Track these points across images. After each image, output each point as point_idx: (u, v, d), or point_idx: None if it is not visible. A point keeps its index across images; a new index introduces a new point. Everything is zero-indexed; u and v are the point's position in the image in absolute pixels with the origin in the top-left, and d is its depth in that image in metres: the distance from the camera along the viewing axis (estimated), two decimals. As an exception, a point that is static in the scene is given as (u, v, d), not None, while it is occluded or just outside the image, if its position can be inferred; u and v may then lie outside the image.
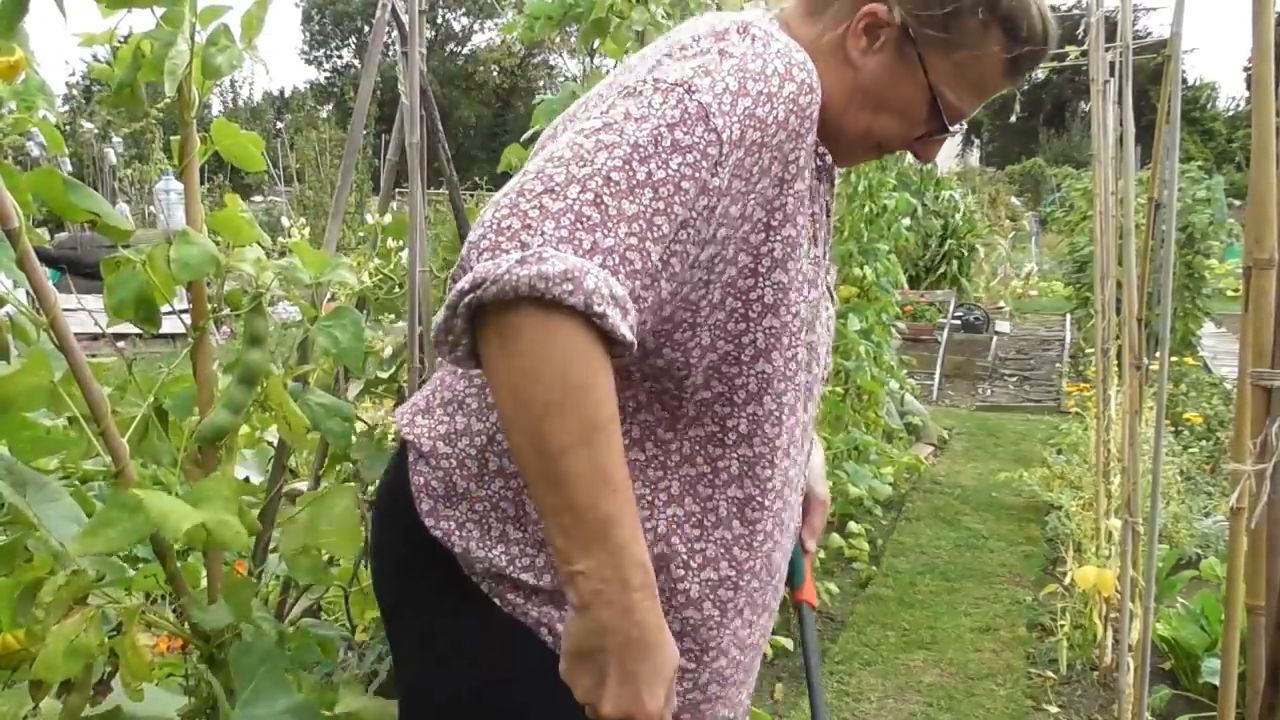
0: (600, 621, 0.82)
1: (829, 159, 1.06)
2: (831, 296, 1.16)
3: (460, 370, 1.05)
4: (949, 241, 10.42)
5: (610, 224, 0.81)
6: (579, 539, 0.80)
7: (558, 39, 2.49)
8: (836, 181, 1.17)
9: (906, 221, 4.63)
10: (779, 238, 0.96)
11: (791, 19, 1.06)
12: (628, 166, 0.82)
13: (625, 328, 0.79)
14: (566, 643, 0.86)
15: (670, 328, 0.96)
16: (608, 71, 2.71)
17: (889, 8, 1.01)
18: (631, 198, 0.82)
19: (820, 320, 1.08)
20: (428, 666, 1.06)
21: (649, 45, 1.06)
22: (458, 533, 1.00)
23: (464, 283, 0.78)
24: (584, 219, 0.80)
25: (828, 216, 1.10)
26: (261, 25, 1.20)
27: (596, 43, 2.43)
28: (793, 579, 1.28)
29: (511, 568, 0.99)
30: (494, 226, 0.79)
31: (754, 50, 0.92)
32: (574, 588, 0.82)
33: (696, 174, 0.85)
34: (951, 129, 1.08)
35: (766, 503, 1.05)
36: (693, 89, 0.87)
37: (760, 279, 0.97)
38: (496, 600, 1.00)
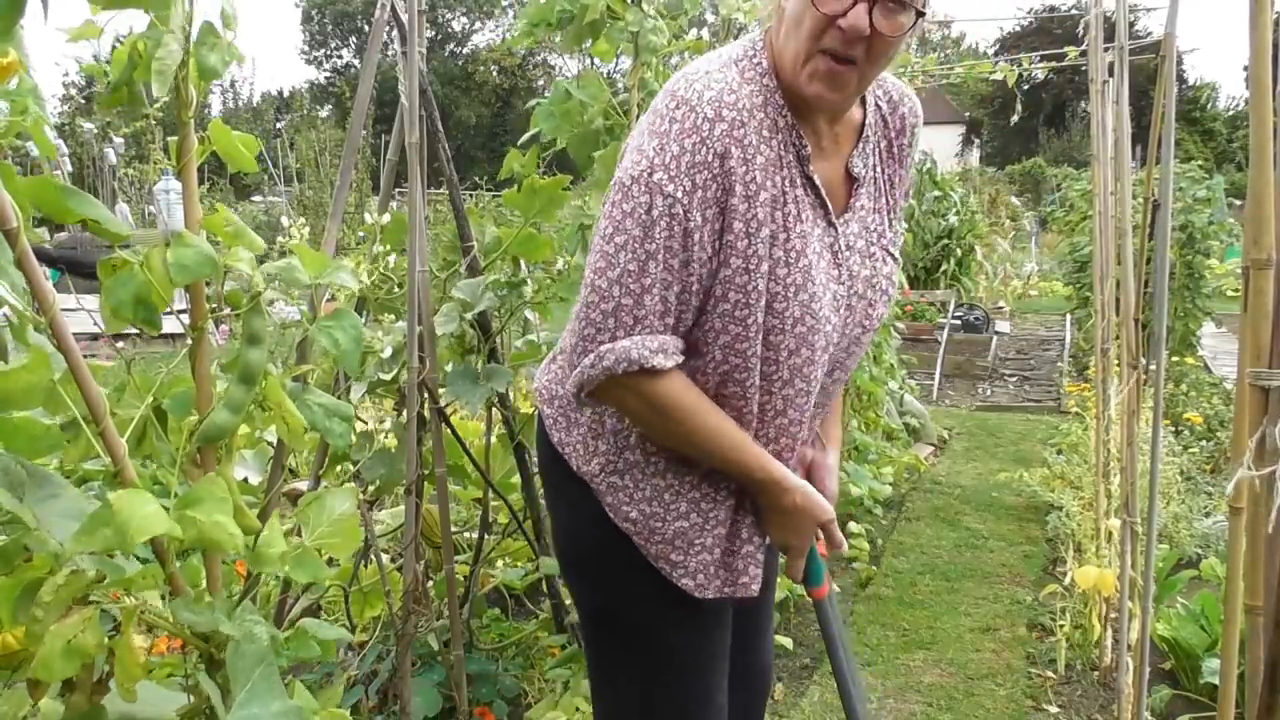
0: (775, 506, 1.38)
1: (808, 149, 1.31)
2: (892, 255, 1.45)
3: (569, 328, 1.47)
4: (950, 241, 10.42)
5: (638, 300, 1.24)
6: (737, 475, 1.37)
7: (558, 39, 2.50)
8: (864, 162, 1.41)
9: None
10: (746, 234, 1.26)
11: (770, 29, 1.33)
12: (635, 257, 1.24)
13: (669, 361, 1.27)
14: (765, 516, 1.41)
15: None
16: (607, 74, 2.72)
17: None
18: (645, 274, 1.24)
19: (842, 280, 1.36)
20: (560, 523, 1.56)
21: (647, 112, 1.33)
22: (568, 450, 1.47)
23: (571, 385, 1.32)
24: (623, 307, 1.25)
25: (861, 189, 1.39)
26: (235, 20, 1.20)
27: (588, 43, 2.44)
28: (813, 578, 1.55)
29: (598, 466, 1.43)
30: (581, 335, 1.28)
31: (689, 107, 1.24)
32: (755, 491, 1.38)
33: (673, 230, 1.23)
34: (822, 9, 1.24)
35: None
36: (651, 170, 1.23)
37: (752, 270, 1.28)
38: (592, 488, 1.45)
